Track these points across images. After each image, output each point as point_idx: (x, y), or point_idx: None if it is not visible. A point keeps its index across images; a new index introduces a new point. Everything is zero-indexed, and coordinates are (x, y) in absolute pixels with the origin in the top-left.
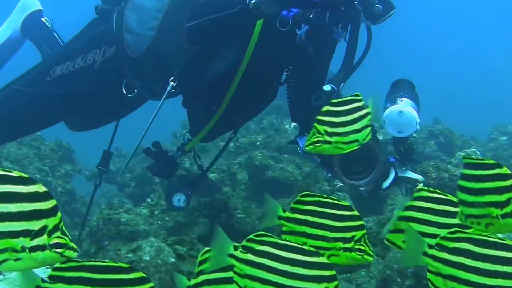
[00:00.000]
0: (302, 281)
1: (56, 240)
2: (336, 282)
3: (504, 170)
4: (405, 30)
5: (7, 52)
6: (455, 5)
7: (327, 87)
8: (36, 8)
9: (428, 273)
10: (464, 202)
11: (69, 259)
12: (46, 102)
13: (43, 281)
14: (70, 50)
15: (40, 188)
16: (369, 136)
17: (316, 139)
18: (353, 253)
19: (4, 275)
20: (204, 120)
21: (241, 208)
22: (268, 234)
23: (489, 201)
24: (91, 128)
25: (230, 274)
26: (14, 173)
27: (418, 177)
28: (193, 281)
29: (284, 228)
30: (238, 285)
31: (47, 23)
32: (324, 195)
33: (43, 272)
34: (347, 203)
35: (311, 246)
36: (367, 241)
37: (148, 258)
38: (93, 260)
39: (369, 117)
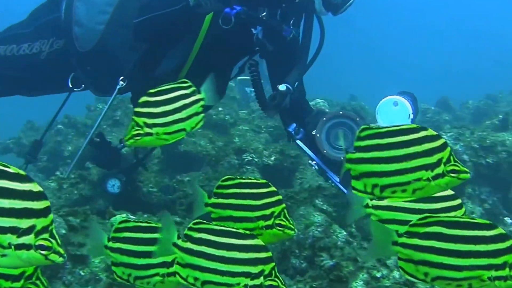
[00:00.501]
0: (238, 265)
1: (41, 242)
2: (272, 264)
3: (430, 132)
4: None
5: None
6: None
7: (282, 87)
8: None
9: (399, 261)
10: (384, 172)
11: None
12: None
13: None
14: (17, 34)
15: (35, 187)
16: (201, 123)
17: (136, 132)
18: (274, 229)
19: None
20: None
21: (153, 182)
22: (205, 221)
23: (420, 164)
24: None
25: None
26: (11, 169)
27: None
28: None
29: (212, 215)
30: (180, 276)
31: None
32: (243, 177)
33: None
34: (264, 181)
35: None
36: (286, 215)
37: None
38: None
39: (201, 103)
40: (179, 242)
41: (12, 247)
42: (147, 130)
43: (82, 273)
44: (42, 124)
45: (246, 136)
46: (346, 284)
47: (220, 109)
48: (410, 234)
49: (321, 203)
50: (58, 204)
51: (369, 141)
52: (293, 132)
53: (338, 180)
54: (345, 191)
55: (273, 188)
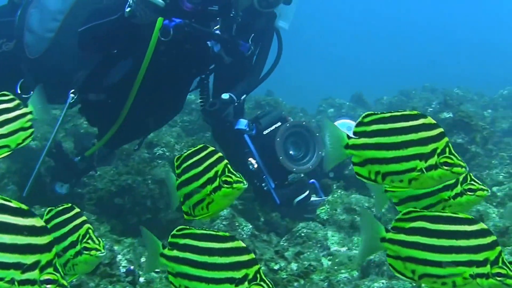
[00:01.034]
0: (222, 271)
1: (47, 276)
2: (256, 266)
3: (429, 120)
4: None
5: None
6: None
7: (225, 95)
8: None
9: (388, 258)
10: (383, 159)
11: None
12: None
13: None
14: None
15: (37, 222)
16: (28, 140)
17: None
18: (222, 189)
19: None
20: (105, 127)
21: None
22: (187, 226)
23: (414, 153)
24: None
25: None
26: (13, 204)
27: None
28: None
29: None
30: (173, 285)
31: None
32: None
33: None
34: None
35: None
36: (232, 170)
37: None
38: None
39: (28, 117)
40: (166, 251)
41: (16, 283)
42: None
43: None
44: None
45: (159, 130)
46: None
47: None
48: (396, 230)
49: None
50: None
51: (373, 126)
52: (247, 128)
53: (273, 186)
54: (277, 199)
55: (211, 148)
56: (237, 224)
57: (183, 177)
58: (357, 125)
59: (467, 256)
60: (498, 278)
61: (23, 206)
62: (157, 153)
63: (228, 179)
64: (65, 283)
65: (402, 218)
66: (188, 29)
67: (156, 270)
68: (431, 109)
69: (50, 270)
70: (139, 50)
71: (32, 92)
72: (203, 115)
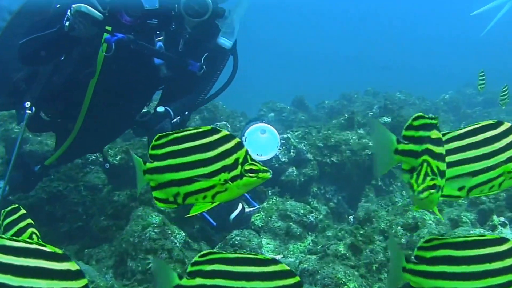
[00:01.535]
0: None
1: None
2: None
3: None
4: None
5: None
6: None
7: (160, 108)
8: None
9: None
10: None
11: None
12: None
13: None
14: None
15: (72, 266)
16: None
17: None
18: (245, 178)
19: None
20: (62, 139)
21: None
22: (214, 251)
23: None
24: None
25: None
26: (48, 248)
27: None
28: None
29: (151, 183)
30: None
31: None
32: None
33: None
34: (208, 127)
35: None
36: (251, 157)
37: None
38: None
39: None
40: (183, 282)
41: None
42: None
43: None
44: None
45: None
46: None
47: None
48: (418, 259)
49: None
50: None
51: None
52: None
53: None
54: (212, 222)
55: (225, 132)
56: (169, 232)
57: (178, 160)
58: (406, 128)
59: (504, 278)
60: None
61: (58, 250)
62: (90, 159)
63: (254, 167)
64: None
65: (423, 246)
66: (133, 46)
67: None
68: (371, 113)
69: None
70: (83, 64)
71: None
72: (133, 125)
